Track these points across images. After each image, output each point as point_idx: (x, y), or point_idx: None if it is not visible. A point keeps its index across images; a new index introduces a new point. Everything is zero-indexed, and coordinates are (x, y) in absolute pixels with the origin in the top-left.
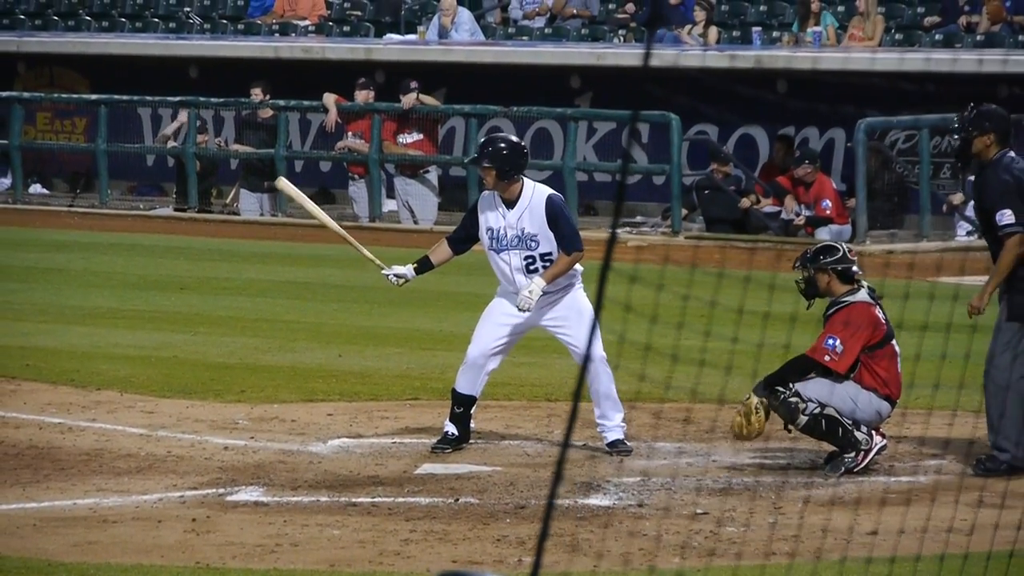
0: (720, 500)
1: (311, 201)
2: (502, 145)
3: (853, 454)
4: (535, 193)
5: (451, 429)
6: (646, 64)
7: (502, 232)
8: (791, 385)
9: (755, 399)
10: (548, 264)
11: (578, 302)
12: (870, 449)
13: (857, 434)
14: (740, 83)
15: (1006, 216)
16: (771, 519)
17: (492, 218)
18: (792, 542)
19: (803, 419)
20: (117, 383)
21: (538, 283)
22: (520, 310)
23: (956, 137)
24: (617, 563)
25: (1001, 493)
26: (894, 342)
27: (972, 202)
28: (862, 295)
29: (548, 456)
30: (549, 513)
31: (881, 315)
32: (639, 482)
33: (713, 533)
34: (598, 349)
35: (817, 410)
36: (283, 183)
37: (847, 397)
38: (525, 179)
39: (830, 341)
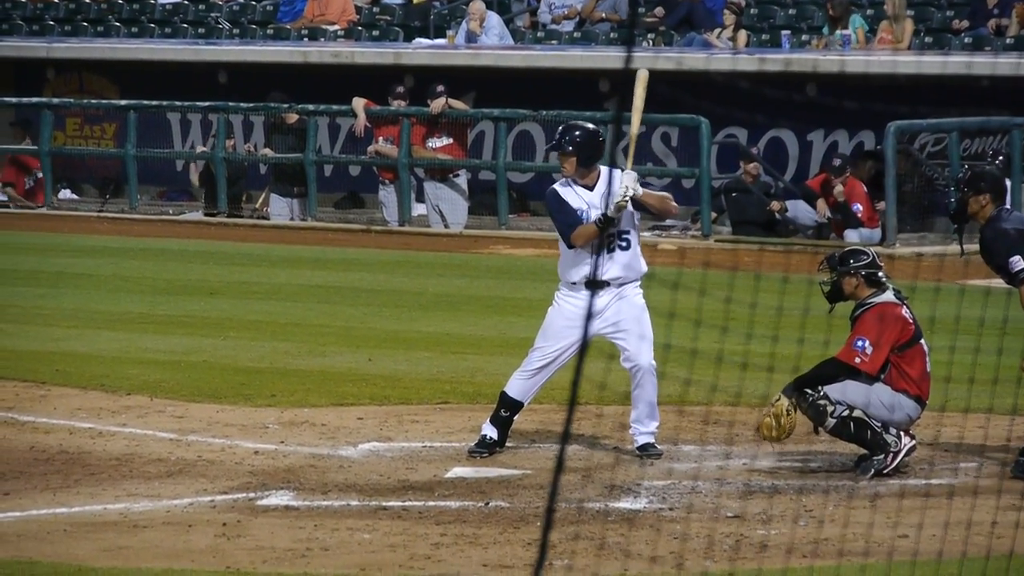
0: (748, 502)
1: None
2: (582, 132)
3: (882, 456)
4: (612, 174)
5: (490, 432)
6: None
7: (585, 214)
8: (820, 388)
9: (785, 401)
10: (625, 243)
11: (636, 308)
12: (899, 451)
13: (886, 436)
14: (769, 86)
15: (1017, 262)
16: (800, 521)
17: (574, 200)
18: (819, 544)
19: (831, 421)
20: (147, 388)
21: (630, 175)
22: (620, 204)
23: (951, 199)
24: (646, 565)
25: (1021, 494)
26: (923, 341)
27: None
28: (888, 295)
29: (579, 459)
30: (551, 504)
31: (908, 314)
32: (668, 485)
33: (742, 535)
34: (649, 357)
35: (846, 412)
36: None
37: (877, 399)
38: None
39: (859, 343)
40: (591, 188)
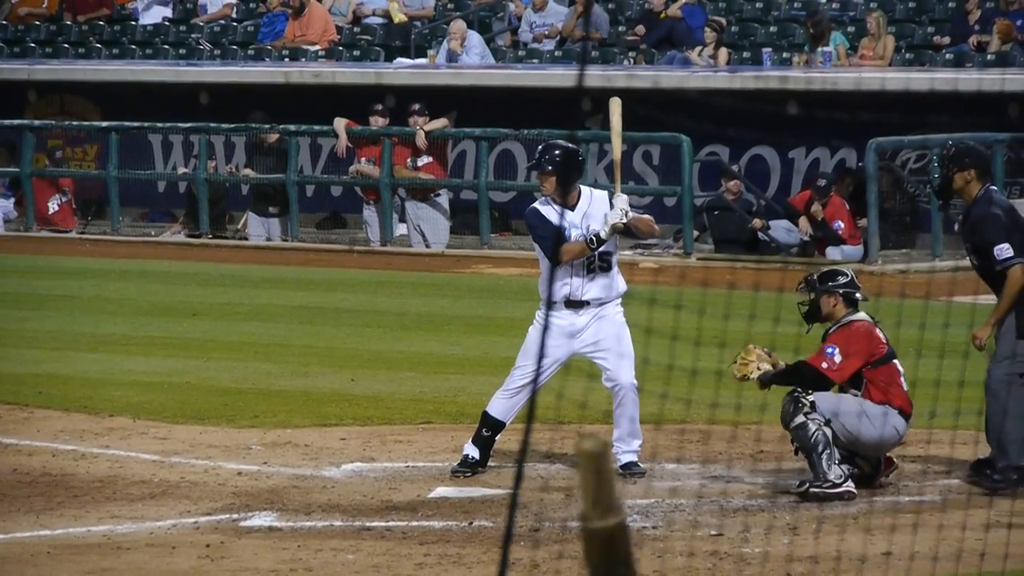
0: (734, 521)
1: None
2: (562, 151)
3: (819, 482)
4: (593, 193)
5: (472, 452)
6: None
7: (567, 232)
8: (810, 393)
9: (757, 375)
10: (605, 264)
11: (617, 327)
12: (837, 486)
13: (833, 468)
14: (750, 104)
15: (1005, 249)
16: (785, 540)
17: (555, 219)
18: (807, 563)
19: (801, 419)
20: (130, 409)
21: (623, 198)
22: (616, 227)
23: (936, 175)
24: None
25: (1008, 511)
26: (896, 361)
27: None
28: (862, 315)
29: (561, 478)
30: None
31: (881, 335)
32: (652, 503)
33: (727, 554)
34: (630, 376)
35: (820, 421)
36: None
37: (868, 420)
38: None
39: (829, 349)
40: (572, 208)
